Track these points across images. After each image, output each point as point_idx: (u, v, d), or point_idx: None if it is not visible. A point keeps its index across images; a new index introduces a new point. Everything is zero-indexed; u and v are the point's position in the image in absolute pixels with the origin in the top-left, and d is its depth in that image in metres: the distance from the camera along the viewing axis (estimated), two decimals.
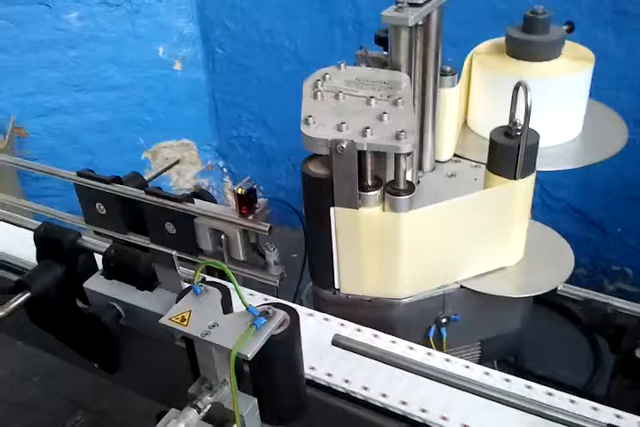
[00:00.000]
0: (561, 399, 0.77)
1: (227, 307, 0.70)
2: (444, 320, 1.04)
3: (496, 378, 0.80)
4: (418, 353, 0.84)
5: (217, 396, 0.69)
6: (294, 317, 0.69)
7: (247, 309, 0.66)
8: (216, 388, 0.69)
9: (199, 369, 0.71)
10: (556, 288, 0.91)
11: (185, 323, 0.67)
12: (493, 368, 0.83)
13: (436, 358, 0.83)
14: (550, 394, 0.77)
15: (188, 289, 0.71)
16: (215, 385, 0.69)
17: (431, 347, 0.96)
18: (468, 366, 0.82)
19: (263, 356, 0.65)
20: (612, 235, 1.99)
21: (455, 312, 1.04)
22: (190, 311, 0.68)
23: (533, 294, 1.01)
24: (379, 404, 0.78)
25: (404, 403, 0.77)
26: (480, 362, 0.93)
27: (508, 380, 0.79)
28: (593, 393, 0.76)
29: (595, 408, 0.75)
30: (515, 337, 1.13)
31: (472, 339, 1.10)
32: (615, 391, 0.86)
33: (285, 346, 0.68)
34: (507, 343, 1.14)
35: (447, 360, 0.83)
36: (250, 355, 0.63)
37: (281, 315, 0.67)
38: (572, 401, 0.76)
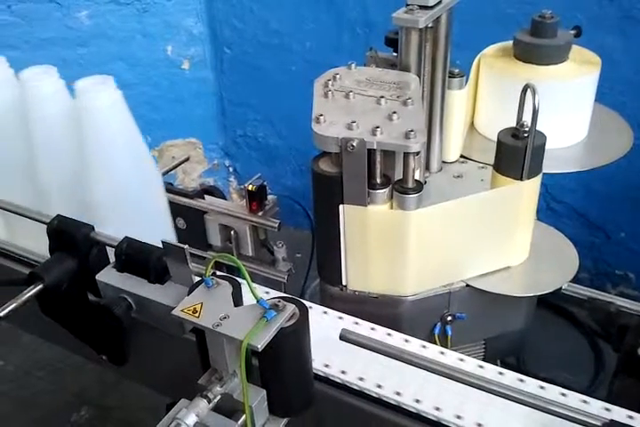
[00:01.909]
0: (574, 400, 0.76)
1: (237, 300, 0.72)
2: (449, 318, 1.05)
3: (510, 378, 0.79)
4: (430, 351, 0.84)
5: (227, 387, 0.70)
6: (303, 311, 0.70)
7: (258, 302, 0.67)
8: (226, 379, 0.70)
9: (209, 361, 0.72)
10: (560, 288, 0.92)
11: (197, 314, 0.68)
12: None
13: (448, 358, 0.83)
14: (564, 395, 0.77)
15: (200, 282, 0.72)
16: (225, 376, 0.70)
17: (436, 344, 0.97)
18: (481, 366, 0.81)
19: (272, 348, 0.66)
20: (615, 239, 2.00)
21: (460, 310, 1.05)
22: (202, 303, 0.69)
23: (538, 294, 1.02)
24: (393, 402, 0.78)
25: (417, 401, 0.77)
26: (484, 361, 0.94)
27: (521, 380, 0.79)
28: (594, 397, 0.78)
29: (607, 409, 0.75)
30: (518, 336, 1.15)
31: (476, 337, 1.12)
32: (617, 390, 0.87)
33: (294, 339, 0.69)
34: (510, 342, 1.15)
35: (461, 360, 0.82)
36: (260, 346, 0.64)
37: (291, 308, 0.68)
38: (585, 402, 0.76)
